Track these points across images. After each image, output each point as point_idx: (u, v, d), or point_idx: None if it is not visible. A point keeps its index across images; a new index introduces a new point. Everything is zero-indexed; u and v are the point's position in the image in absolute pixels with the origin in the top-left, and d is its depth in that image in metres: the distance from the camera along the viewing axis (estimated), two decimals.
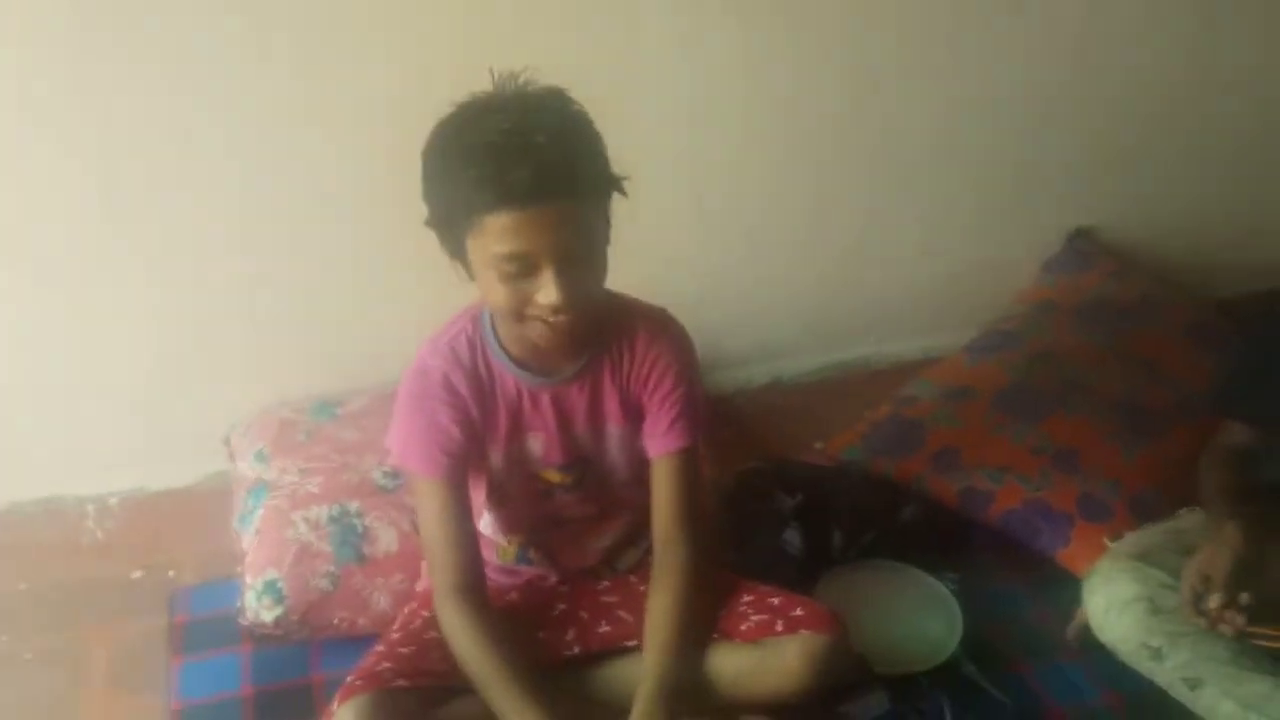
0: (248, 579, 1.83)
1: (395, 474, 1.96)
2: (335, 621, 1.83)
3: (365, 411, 2.11)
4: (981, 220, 2.41)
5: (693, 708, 1.54)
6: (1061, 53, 2.28)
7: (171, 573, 2.03)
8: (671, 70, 2.10)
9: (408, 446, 1.58)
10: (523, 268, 1.39)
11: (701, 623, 1.60)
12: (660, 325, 1.62)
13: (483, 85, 1.39)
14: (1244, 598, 1.55)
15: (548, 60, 1.38)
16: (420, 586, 1.76)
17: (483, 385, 1.57)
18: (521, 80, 1.41)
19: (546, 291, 1.40)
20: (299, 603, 1.81)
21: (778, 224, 2.31)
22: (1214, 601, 1.55)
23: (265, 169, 2.00)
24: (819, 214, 2.33)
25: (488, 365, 1.57)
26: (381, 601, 1.84)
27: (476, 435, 1.57)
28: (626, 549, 1.76)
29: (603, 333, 1.57)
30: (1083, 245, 2.43)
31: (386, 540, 1.88)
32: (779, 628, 1.60)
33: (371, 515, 1.90)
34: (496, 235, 1.37)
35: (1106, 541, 1.86)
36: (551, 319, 1.43)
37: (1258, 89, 2.42)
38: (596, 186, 1.42)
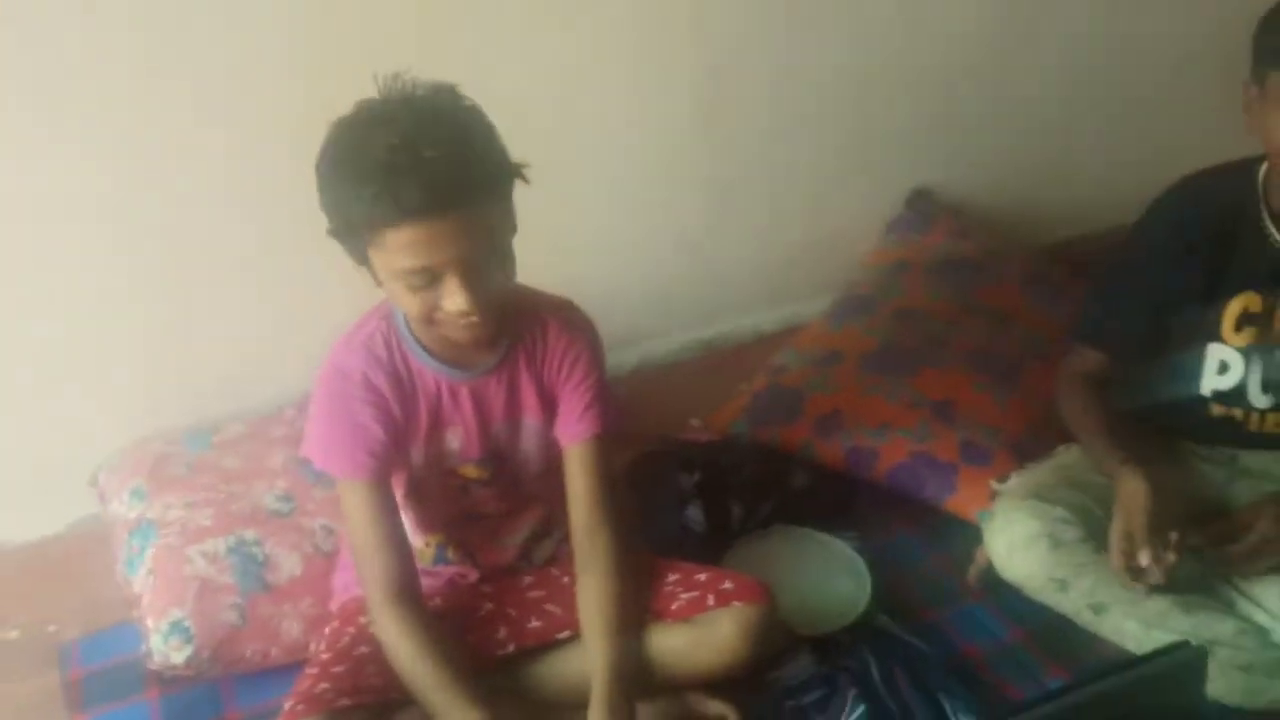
0: (149, 622, 1.75)
1: (289, 497, 1.91)
2: (248, 654, 1.77)
3: (243, 437, 2.04)
4: (824, 188, 2.48)
5: (643, 690, 1.57)
6: (888, 23, 2.36)
7: (52, 628, 1.92)
8: (535, 47, 2.10)
9: (330, 450, 1.55)
10: (427, 279, 1.39)
11: (635, 606, 1.62)
12: (569, 315, 1.64)
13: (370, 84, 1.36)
14: (1173, 537, 1.65)
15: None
16: (336, 604, 1.73)
17: (402, 382, 1.55)
18: (408, 82, 1.39)
19: (453, 299, 1.40)
20: (208, 639, 1.74)
21: (630, 206, 2.33)
22: (1143, 559, 1.64)
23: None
24: (670, 193, 2.35)
25: (406, 362, 1.55)
26: (293, 629, 1.79)
27: (399, 433, 1.56)
28: (542, 541, 1.77)
29: (516, 324, 1.57)
30: (921, 205, 2.53)
31: (289, 565, 1.83)
32: (711, 602, 1.63)
33: (270, 542, 1.84)
34: (396, 250, 1.36)
35: (992, 484, 1.95)
36: (462, 322, 1.43)
37: (1065, 47, 2.55)
38: (493, 189, 1.41)
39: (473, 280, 1.39)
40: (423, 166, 1.31)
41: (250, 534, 1.84)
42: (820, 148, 2.43)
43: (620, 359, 2.41)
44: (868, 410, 2.11)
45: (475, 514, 1.69)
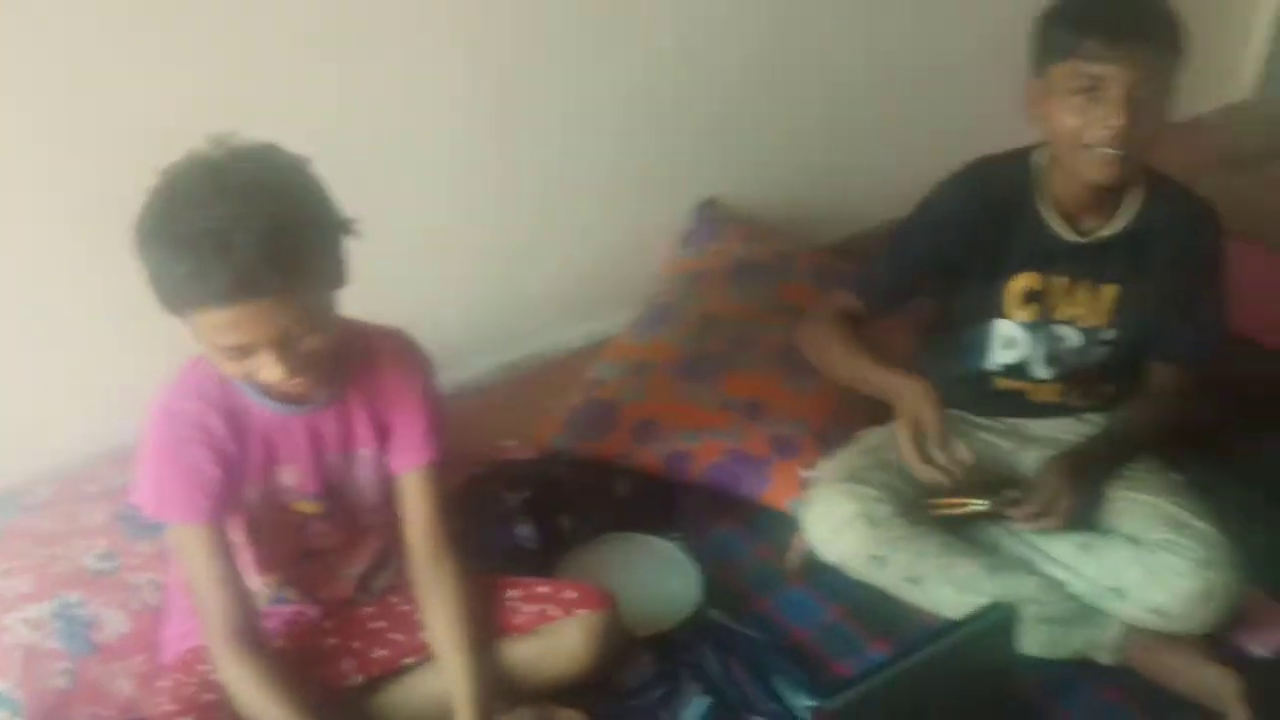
0: None
1: (111, 555, 1.86)
2: (80, 719, 1.72)
3: (54, 499, 1.98)
4: (618, 204, 2.55)
5: (500, 705, 1.61)
6: (665, 42, 2.45)
7: None
8: (334, 74, 2.10)
9: (164, 495, 1.53)
10: (242, 353, 1.40)
11: (483, 624, 1.66)
12: (399, 345, 1.66)
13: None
14: (961, 450, 1.78)
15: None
16: (170, 657, 1.70)
17: (235, 421, 1.55)
18: (227, 146, 1.37)
19: (269, 371, 1.41)
20: (39, 707, 1.70)
21: (429, 231, 2.33)
22: (934, 441, 1.75)
23: None
24: (469, 217, 2.38)
25: (237, 401, 1.55)
26: (125, 688, 1.76)
27: (234, 472, 1.55)
28: (380, 572, 1.78)
29: (346, 358, 1.58)
30: (711, 215, 2.62)
31: (116, 624, 1.79)
32: (555, 613, 1.68)
33: (95, 602, 1.80)
34: (209, 329, 1.37)
35: (802, 473, 2.06)
36: (283, 386, 1.44)
37: (831, 60, 2.70)
38: (309, 268, 1.39)
39: (288, 353, 1.41)
40: (234, 252, 1.30)
41: (74, 596, 1.79)
42: (611, 164, 2.50)
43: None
44: (682, 415, 2.19)
45: (313, 549, 1.69)
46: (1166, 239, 1.86)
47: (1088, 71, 1.68)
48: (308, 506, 1.64)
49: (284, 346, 1.39)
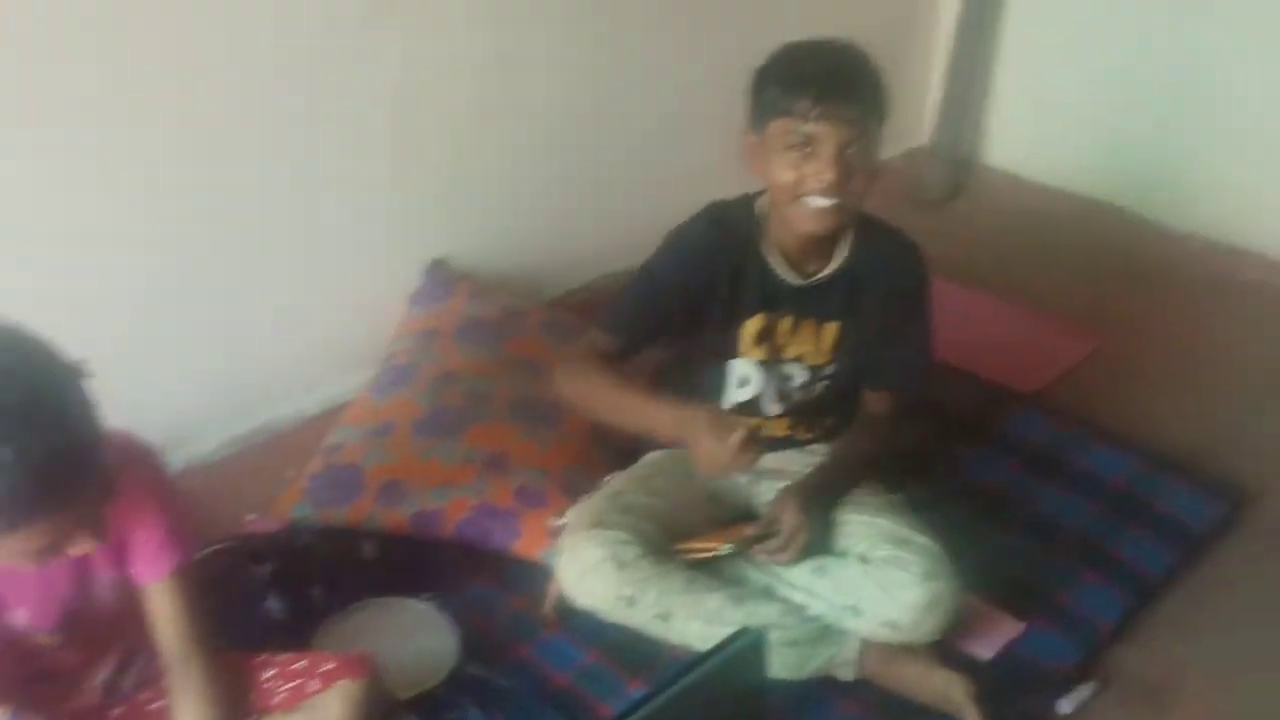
0: None
1: None
2: None
3: None
4: (346, 268, 2.54)
5: None
6: (381, 103, 2.47)
7: None
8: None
9: None
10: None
11: (239, 713, 1.62)
12: (128, 453, 1.53)
13: None
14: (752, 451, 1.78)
15: None
16: None
17: None
18: None
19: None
20: None
21: (146, 304, 2.28)
22: (736, 437, 1.74)
23: None
24: (188, 286, 2.32)
25: None
26: None
27: None
28: (126, 672, 1.71)
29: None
30: (440, 275, 2.64)
31: None
32: (314, 687, 1.66)
33: None
34: None
35: (550, 522, 2.10)
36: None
37: (550, 117, 2.78)
38: (79, 489, 1.33)
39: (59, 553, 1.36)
40: (3, 474, 1.23)
41: None
42: (337, 228, 2.49)
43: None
44: (427, 474, 2.20)
45: (52, 672, 1.61)
46: (878, 277, 2.01)
47: (800, 130, 1.81)
48: (44, 639, 1.56)
49: (55, 553, 1.35)
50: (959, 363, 2.77)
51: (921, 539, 1.93)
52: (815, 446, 2.14)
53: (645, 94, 2.95)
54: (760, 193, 1.98)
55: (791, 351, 2.02)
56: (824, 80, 1.81)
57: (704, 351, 2.00)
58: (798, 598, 1.96)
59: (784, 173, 1.84)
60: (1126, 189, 3.48)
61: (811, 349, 2.02)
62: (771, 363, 2.01)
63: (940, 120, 3.63)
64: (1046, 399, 2.74)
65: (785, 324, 2.00)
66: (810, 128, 1.80)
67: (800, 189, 1.84)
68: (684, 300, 1.96)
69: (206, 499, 2.35)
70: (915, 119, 3.73)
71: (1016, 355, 2.87)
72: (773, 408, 2.05)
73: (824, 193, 1.82)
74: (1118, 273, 3.30)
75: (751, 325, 1.99)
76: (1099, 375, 2.86)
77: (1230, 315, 3.13)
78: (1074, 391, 2.78)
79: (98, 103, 2.08)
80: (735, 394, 2.04)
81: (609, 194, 2.96)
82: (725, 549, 1.93)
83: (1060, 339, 2.98)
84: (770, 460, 2.10)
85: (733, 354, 2.01)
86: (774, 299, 1.98)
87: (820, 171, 1.80)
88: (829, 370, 2.05)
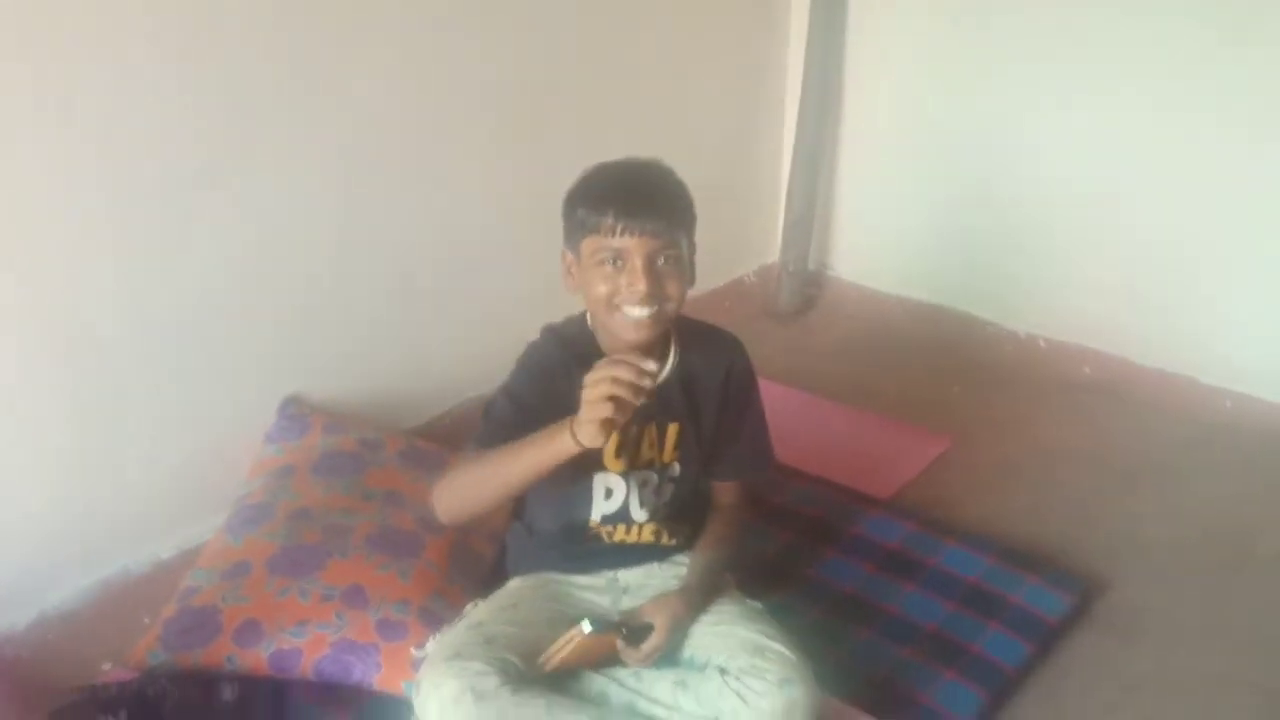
0: None
1: None
2: None
3: None
4: (199, 407, 2.52)
5: None
6: (235, 241, 2.49)
7: None
8: None
9: None
10: None
11: None
12: None
13: None
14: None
15: None
16: None
17: None
18: None
19: None
20: None
21: (2, 451, 2.25)
22: (649, 366, 1.72)
23: None
24: (33, 431, 2.29)
25: None
26: None
27: None
28: None
29: None
30: (295, 411, 2.64)
31: None
32: None
33: None
34: None
35: (413, 652, 2.09)
36: None
37: (399, 244, 2.82)
38: None
39: None
40: None
41: None
42: (185, 368, 2.47)
43: (12, 618, 2.30)
44: (284, 612, 2.18)
45: None
46: (709, 374, 2.09)
47: (609, 245, 1.88)
48: None
49: None
50: (814, 469, 2.85)
51: (777, 646, 1.95)
52: (678, 557, 2.16)
53: (489, 223, 3.02)
54: (585, 311, 2.04)
55: (644, 457, 2.06)
56: (626, 197, 1.89)
57: (566, 468, 2.00)
58: (660, 713, 1.96)
59: (599, 286, 1.91)
60: (969, 294, 3.65)
61: (659, 451, 2.07)
62: (630, 471, 2.05)
63: (786, 239, 3.76)
64: (900, 501, 2.81)
65: (635, 431, 2.03)
66: (618, 242, 1.87)
67: (616, 299, 1.91)
68: (546, 416, 1.97)
69: (61, 650, 2.31)
70: (766, 239, 3.87)
71: (869, 461, 2.95)
72: (639, 514, 2.08)
73: (639, 302, 1.89)
74: (963, 376, 3.43)
75: (611, 445, 2.01)
76: (949, 476, 2.95)
77: (1074, 412, 3.27)
78: (926, 493, 2.87)
79: None
80: (602, 505, 2.07)
81: (459, 322, 3.01)
82: (585, 626, 1.91)
83: (910, 443, 3.07)
84: (633, 576, 2.13)
85: (597, 466, 2.03)
86: None
87: (633, 283, 1.88)
88: (675, 471, 2.10)
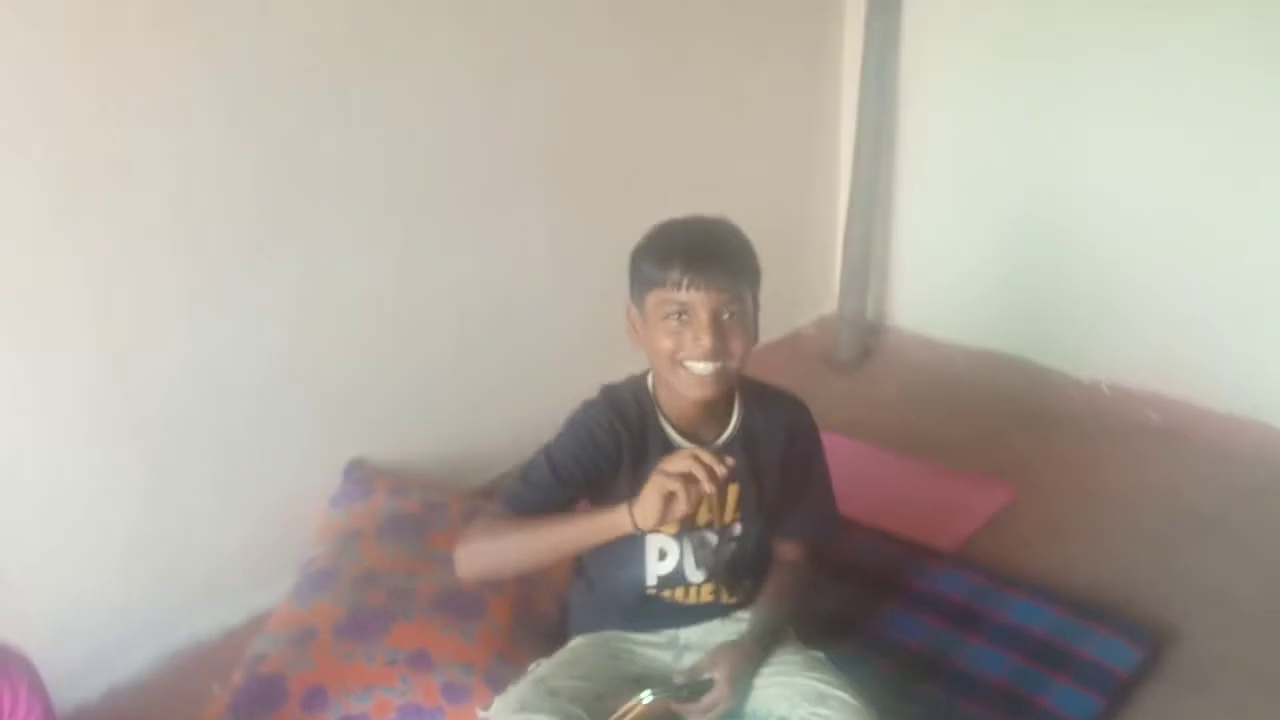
0: None
1: None
2: None
3: None
4: (265, 474, 2.56)
5: None
6: (291, 307, 2.53)
7: None
8: None
9: None
10: None
11: None
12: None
13: None
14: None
15: None
16: None
17: None
18: None
19: None
20: None
21: (63, 526, 2.29)
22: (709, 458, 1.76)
23: None
24: (105, 507, 2.33)
25: None
26: None
27: None
28: None
29: None
30: (359, 475, 2.67)
31: None
32: None
33: None
34: None
35: (479, 714, 2.09)
36: None
37: (457, 305, 2.86)
38: None
39: None
40: None
41: None
42: (251, 435, 2.52)
43: (85, 691, 2.34)
44: (350, 677, 2.19)
45: None
46: (772, 437, 2.08)
47: (675, 299, 1.88)
48: None
49: None
50: (876, 522, 2.83)
51: (841, 694, 1.93)
52: (739, 614, 2.15)
53: (547, 280, 3.04)
54: (648, 371, 2.04)
55: (701, 518, 2.05)
56: (692, 251, 1.89)
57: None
58: None
59: (664, 341, 1.91)
60: (1030, 341, 3.61)
61: (718, 513, 2.06)
62: (688, 532, 2.05)
63: (844, 288, 3.76)
64: (964, 554, 2.79)
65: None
66: (684, 296, 1.87)
67: (680, 355, 1.91)
68: (584, 485, 1.99)
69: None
70: (824, 289, 3.86)
71: (933, 512, 2.93)
72: (695, 575, 2.07)
73: (703, 357, 1.88)
74: (1027, 423, 3.40)
75: None
76: (1015, 527, 2.92)
77: (1141, 459, 3.22)
78: (991, 544, 2.84)
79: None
80: (656, 567, 2.06)
81: (519, 380, 3.03)
82: (646, 696, 1.91)
83: (975, 493, 3.04)
84: (694, 634, 2.13)
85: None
86: None
87: (698, 338, 1.87)
88: (736, 531, 2.08)
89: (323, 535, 2.58)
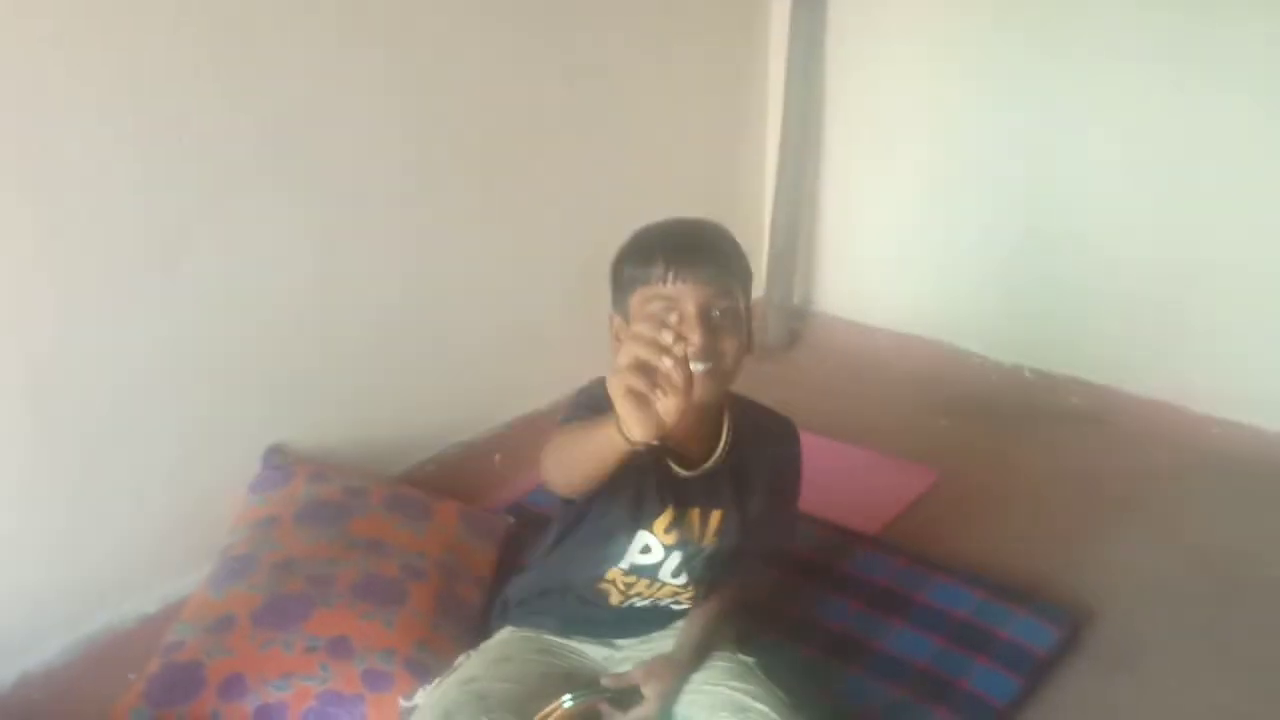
0: None
1: None
2: None
3: None
4: (182, 460, 2.51)
5: None
6: (210, 294, 2.48)
7: None
8: None
9: None
10: None
11: None
12: None
13: None
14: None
15: None
16: None
17: None
18: None
19: None
20: None
21: None
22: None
23: None
24: (15, 494, 2.28)
25: None
26: None
27: None
28: None
29: None
30: (278, 461, 2.63)
31: None
32: None
33: None
34: None
35: (401, 702, 2.07)
36: None
37: (377, 289, 2.82)
38: None
39: None
40: None
41: None
42: (171, 422, 2.47)
43: None
44: (268, 665, 2.16)
45: None
46: (760, 464, 1.99)
47: (661, 294, 1.74)
48: None
49: None
50: (802, 506, 2.82)
51: (763, 706, 1.89)
52: (679, 623, 2.08)
53: (470, 270, 3.01)
54: None
55: (685, 536, 1.95)
56: (677, 244, 1.78)
57: (611, 521, 1.91)
58: None
59: None
60: (953, 325, 3.65)
61: (699, 534, 1.97)
62: (684, 544, 1.95)
63: (770, 274, 3.77)
64: (887, 537, 2.81)
65: (679, 513, 1.93)
66: (670, 289, 1.74)
67: None
68: None
69: (46, 709, 2.29)
70: (754, 272, 3.85)
71: (856, 496, 2.95)
72: (669, 578, 1.99)
73: (694, 357, 1.65)
74: (951, 407, 3.43)
75: (661, 521, 1.92)
76: (938, 510, 2.95)
77: (1062, 442, 3.27)
78: (914, 527, 2.86)
79: None
80: (635, 557, 1.95)
81: (441, 369, 2.99)
82: (568, 700, 1.88)
83: (898, 477, 3.07)
84: (631, 644, 2.08)
85: (646, 525, 1.93)
86: (674, 492, 1.91)
87: (687, 334, 1.64)
88: (709, 549, 1.99)
89: (240, 522, 2.53)
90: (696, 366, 1.68)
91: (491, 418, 3.06)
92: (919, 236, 3.67)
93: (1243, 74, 2.96)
